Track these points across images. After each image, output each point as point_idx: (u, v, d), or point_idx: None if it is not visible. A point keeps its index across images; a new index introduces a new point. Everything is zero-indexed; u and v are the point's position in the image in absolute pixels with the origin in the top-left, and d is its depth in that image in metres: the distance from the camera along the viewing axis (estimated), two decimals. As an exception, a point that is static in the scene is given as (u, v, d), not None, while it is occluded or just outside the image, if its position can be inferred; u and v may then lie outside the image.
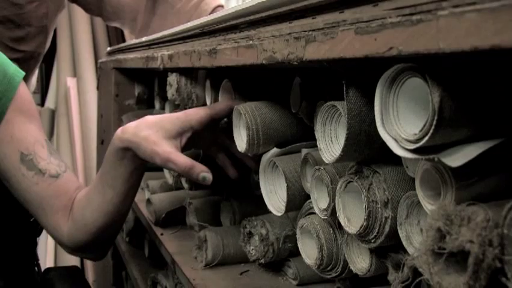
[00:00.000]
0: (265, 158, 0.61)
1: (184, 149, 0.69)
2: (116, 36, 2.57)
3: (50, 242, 2.36)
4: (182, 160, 0.65)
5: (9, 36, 1.10)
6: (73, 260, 2.11)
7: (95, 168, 2.46)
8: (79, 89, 2.62)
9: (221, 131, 0.75)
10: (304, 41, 0.42)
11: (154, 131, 0.67)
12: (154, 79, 1.20)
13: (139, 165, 0.71)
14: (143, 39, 1.01)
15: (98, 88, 1.57)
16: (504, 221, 0.30)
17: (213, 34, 0.66)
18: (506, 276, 0.30)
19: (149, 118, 0.70)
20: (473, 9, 0.25)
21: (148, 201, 0.95)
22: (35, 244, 0.98)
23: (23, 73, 0.80)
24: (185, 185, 0.87)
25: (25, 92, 0.79)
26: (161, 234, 0.90)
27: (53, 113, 2.74)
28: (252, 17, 0.54)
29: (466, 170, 0.34)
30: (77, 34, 2.60)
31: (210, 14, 1.23)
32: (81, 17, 2.58)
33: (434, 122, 0.32)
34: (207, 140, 0.75)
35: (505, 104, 0.36)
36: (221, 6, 1.29)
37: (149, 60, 0.91)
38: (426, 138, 0.32)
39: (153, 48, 0.95)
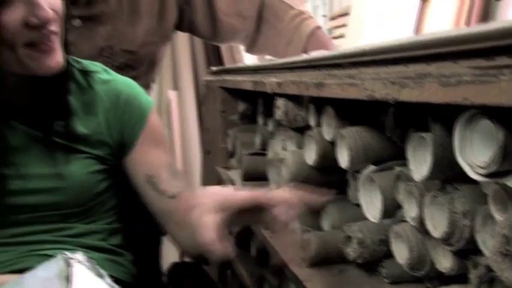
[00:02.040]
0: (364, 173, 0.73)
1: (228, 223, 0.72)
2: (213, 53, 2.76)
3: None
4: (209, 236, 0.69)
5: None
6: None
7: (195, 174, 2.66)
8: (179, 102, 2.84)
9: None
10: (399, 86, 0.54)
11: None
12: (258, 97, 1.34)
13: None
14: (251, 64, 1.16)
15: (203, 103, 1.75)
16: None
17: (318, 68, 0.79)
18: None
19: (207, 190, 0.78)
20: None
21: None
22: (160, 242, 1.15)
23: (153, 103, 0.96)
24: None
25: (155, 120, 0.95)
26: (270, 237, 1.03)
27: (156, 123, 2.97)
28: (354, 59, 0.66)
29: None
30: (178, 51, 2.81)
31: (308, 35, 1.36)
32: (182, 35, 2.79)
33: (499, 154, 0.43)
34: (251, 218, 0.82)
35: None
36: (319, 27, 1.40)
37: (257, 85, 1.05)
38: (494, 166, 0.43)
39: (260, 73, 1.09)
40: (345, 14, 6.61)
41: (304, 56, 0.82)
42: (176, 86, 2.88)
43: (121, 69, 1.29)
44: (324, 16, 7.89)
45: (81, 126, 0.88)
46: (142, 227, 1.06)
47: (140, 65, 1.36)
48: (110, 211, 0.96)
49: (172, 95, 2.85)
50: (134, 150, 0.91)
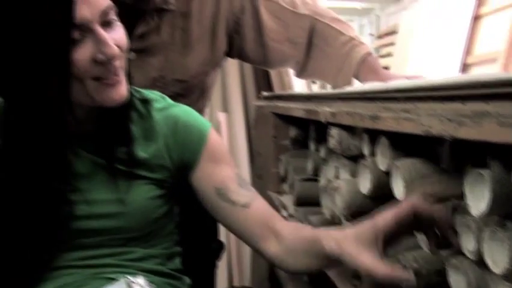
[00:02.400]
0: (419, 205, 0.74)
1: (384, 251, 0.76)
2: (263, 75, 2.81)
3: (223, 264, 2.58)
4: (382, 271, 0.71)
5: None
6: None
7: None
8: (228, 123, 2.89)
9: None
10: (456, 123, 0.55)
11: (355, 246, 0.75)
12: (310, 123, 1.36)
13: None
14: (303, 92, 1.19)
15: (254, 128, 1.78)
16: None
17: (372, 100, 0.81)
18: None
19: (349, 232, 0.79)
20: None
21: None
22: (215, 266, 1.18)
23: (210, 124, 1.00)
24: (344, 221, 1.01)
25: (215, 138, 0.98)
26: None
27: (206, 145, 3.04)
28: (410, 94, 0.68)
29: None
30: (228, 73, 2.86)
31: (359, 62, 1.37)
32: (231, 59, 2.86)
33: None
34: (400, 234, 0.80)
35: None
36: (370, 53, 1.41)
37: (310, 113, 1.08)
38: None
39: (313, 101, 1.11)
40: (392, 33, 6.57)
41: (359, 88, 0.84)
42: (225, 108, 2.94)
43: (173, 98, 1.32)
44: (371, 35, 7.88)
45: (142, 152, 0.93)
46: (198, 251, 1.09)
47: (191, 93, 1.40)
48: (168, 236, 1.00)
49: (221, 116, 2.91)
50: (198, 169, 0.95)
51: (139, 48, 1.27)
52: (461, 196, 0.68)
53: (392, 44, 6.39)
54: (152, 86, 1.31)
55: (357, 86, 0.97)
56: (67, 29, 0.74)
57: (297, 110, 1.18)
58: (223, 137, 2.88)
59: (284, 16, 1.41)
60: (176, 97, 1.35)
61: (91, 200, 0.89)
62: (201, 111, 1.52)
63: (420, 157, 0.77)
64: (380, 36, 6.60)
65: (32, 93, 0.78)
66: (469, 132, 0.53)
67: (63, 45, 0.75)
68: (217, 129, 2.93)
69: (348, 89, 0.90)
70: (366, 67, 1.36)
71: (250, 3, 1.38)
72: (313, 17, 1.42)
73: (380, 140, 0.84)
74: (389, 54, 6.39)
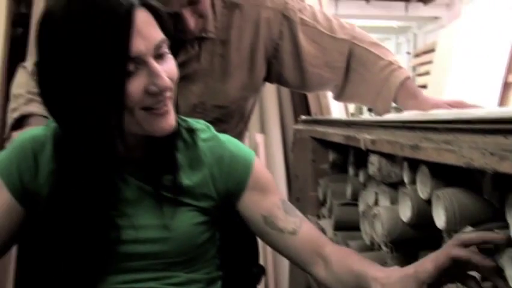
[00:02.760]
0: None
1: None
2: (300, 97, 2.83)
3: None
4: None
5: (215, 131, 1.23)
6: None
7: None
8: (266, 144, 2.92)
9: None
10: (498, 157, 0.56)
11: None
12: (349, 148, 1.37)
13: None
14: (343, 119, 1.20)
15: (292, 150, 1.80)
16: None
17: (413, 129, 0.81)
18: None
19: (394, 278, 0.80)
20: None
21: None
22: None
23: (254, 153, 1.02)
24: (385, 248, 1.01)
25: (259, 167, 1.01)
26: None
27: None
28: (451, 125, 0.69)
29: None
30: (265, 94, 2.89)
31: (398, 86, 1.36)
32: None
33: None
34: (442, 283, 0.79)
35: None
36: (408, 78, 1.40)
37: (350, 139, 1.09)
38: None
39: (353, 128, 1.13)
40: (430, 51, 6.50)
41: (399, 117, 0.85)
42: (263, 130, 2.96)
43: (212, 123, 1.34)
44: (408, 53, 7.81)
45: (187, 180, 0.96)
46: (239, 275, 1.11)
47: (231, 119, 1.42)
48: (210, 260, 1.02)
49: (259, 138, 2.94)
50: (244, 198, 0.98)
51: (180, 76, 1.30)
52: (504, 226, 0.68)
53: (429, 62, 6.33)
54: (192, 112, 1.35)
55: (397, 114, 0.97)
56: (123, 61, 0.78)
57: (336, 135, 1.19)
58: (260, 158, 2.90)
59: (322, 41, 1.43)
60: (216, 122, 1.38)
61: (138, 225, 0.92)
62: (240, 135, 1.54)
63: (462, 186, 0.77)
64: (417, 55, 6.57)
65: (87, 120, 0.82)
66: (511, 167, 0.54)
67: (119, 76, 0.79)
68: (255, 150, 2.95)
69: (389, 117, 0.91)
70: (405, 91, 1.36)
71: (288, 29, 1.40)
72: (352, 42, 1.43)
73: (421, 169, 0.85)
74: (426, 73, 6.34)
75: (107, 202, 0.89)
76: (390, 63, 1.40)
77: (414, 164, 0.89)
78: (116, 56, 0.77)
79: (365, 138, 0.98)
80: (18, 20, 3.13)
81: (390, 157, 0.97)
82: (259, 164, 1.01)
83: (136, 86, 0.80)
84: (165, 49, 0.85)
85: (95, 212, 0.88)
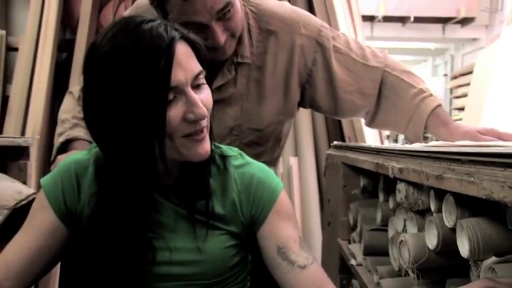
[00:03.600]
0: (486, 263, 0.76)
1: None
2: (333, 121, 2.85)
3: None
4: None
5: (252, 153, 1.21)
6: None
7: (315, 240, 2.72)
8: (299, 168, 2.95)
9: None
10: (516, 191, 0.58)
11: None
12: (379, 175, 1.39)
13: None
14: (373, 146, 1.23)
15: (324, 175, 1.83)
16: None
17: (438, 159, 0.84)
18: None
19: None
20: None
21: (378, 284, 1.13)
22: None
23: (282, 185, 1.06)
24: (411, 274, 1.03)
25: (284, 199, 1.04)
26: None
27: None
28: (473, 158, 0.71)
29: None
30: (300, 119, 2.93)
31: (429, 114, 1.38)
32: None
33: None
34: None
35: None
36: (440, 105, 1.42)
37: (379, 167, 1.11)
38: None
39: (382, 155, 1.15)
40: (468, 73, 6.41)
41: (426, 147, 0.88)
42: (297, 153, 3.00)
43: (248, 146, 1.41)
44: (445, 75, 7.71)
45: (218, 205, 1.00)
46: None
47: (266, 142, 1.46)
48: (241, 283, 1.05)
49: (292, 161, 2.97)
50: (265, 225, 1.01)
51: (217, 99, 1.31)
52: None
53: (467, 84, 6.26)
54: (228, 134, 1.39)
55: (424, 144, 1.00)
56: (165, 91, 0.84)
57: (366, 162, 1.22)
58: (294, 181, 2.93)
59: (355, 68, 1.46)
60: (253, 145, 1.42)
61: (173, 247, 0.97)
62: (277, 158, 1.58)
63: (487, 216, 0.79)
64: (454, 77, 6.51)
65: (129, 146, 0.88)
66: (527, 201, 0.56)
67: (161, 105, 0.84)
68: (289, 173, 2.98)
69: (416, 146, 0.94)
70: (436, 119, 1.38)
71: (322, 55, 1.44)
72: (384, 69, 1.46)
73: (446, 198, 0.87)
74: (464, 95, 6.27)
75: (144, 224, 0.94)
76: (422, 90, 1.42)
77: (440, 193, 0.91)
78: (158, 86, 0.83)
79: (393, 166, 1.00)
80: (64, 45, 3.28)
81: (417, 185, 1.00)
82: (285, 196, 1.04)
83: (175, 113, 0.86)
84: (202, 80, 0.91)
85: (132, 233, 0.93)
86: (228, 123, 1.39)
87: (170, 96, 0.85)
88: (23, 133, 2.99)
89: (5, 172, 1.79)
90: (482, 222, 0.76)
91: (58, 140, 1.39)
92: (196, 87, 0.89)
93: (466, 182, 0.70)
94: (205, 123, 0.91)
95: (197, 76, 0.89)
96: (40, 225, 0.96)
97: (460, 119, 5.83)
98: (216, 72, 1.36)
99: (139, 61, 0.83)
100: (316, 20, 1.47)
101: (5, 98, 3.16)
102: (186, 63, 0.87)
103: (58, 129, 1.43)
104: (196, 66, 0.89)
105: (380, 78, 1.46)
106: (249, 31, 1.38)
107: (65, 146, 1.38)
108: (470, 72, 5.69)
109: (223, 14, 1.21)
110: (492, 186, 0.63)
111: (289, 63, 1.42)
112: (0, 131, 2.98)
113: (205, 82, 0.92)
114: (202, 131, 0.90)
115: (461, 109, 6.55)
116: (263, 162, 1.11)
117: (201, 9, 1.17)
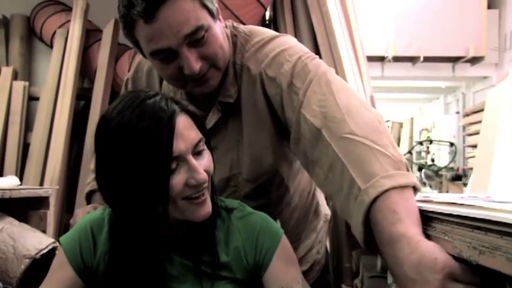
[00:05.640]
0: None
1: None
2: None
3: None
4: None
5: (253, 206, 1.17)
6: None
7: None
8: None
9: None
10: (478, 252, 0.65)
11: None
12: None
13: None
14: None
15: (330, 222, 1.89)
16: None
17: (424, 217, 0.91)
18: None
19: None
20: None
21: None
22: None
23: (282, 231, 1.12)
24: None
25: (286, 242, 1.11)
26: None
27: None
28: (449, 218, 0.78)
29: None
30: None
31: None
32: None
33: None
34: None
35: None
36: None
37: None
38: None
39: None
40: (479, 110, 6.44)
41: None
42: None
43: (248, 198, 1.26)
44: (457, 113, 7.74)
45: (224, 256, 1.07)
46: None
47: (267, 193, 1.31)
48: None
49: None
50: (269, 269, 1.08)
51: (213, 147, 1.13)
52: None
53: (479, 121, 6.27)
54: (226, 186, 1.29)
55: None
56: (167, 161, 0.92)
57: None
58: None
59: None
60: (251, 197, 1.26)
61: None
62: (283, 209, 1.38)
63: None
64: (467, 114, 6.55)
65: (137, 209, 0.96)
66: (486, 261, 0.63)
67: (164, 173, 0.93)
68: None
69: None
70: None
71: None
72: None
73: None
74: (476, 132, 6.29)
75: (154, 278, 1.02)
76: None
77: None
78: (161, 156, 0.92)
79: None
80: (81, 93, 3.43)
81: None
82: (285, 240, 1.11)
83: (178, 180, 0.94)
84: (203, 146, 0.99)
85: (143, 287, 1.01)
86: (224, 174, 1.27)
87: (173, 165, 0.93)
88: (42, 179, 3.11)
89: (26, 221, 1.88)
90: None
91: (85, 190, 1.45)
92: (197, 153, 0.98)
93: (442, 240, 0.77)
94: (206, 186, 0.98)
95: (197, 144, 0.97)
96: (59, 280, 1.04)
97: (473, 157, 5.85)
98: (209, 110, 1.23)
99: (143, 134, 0.91)
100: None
101: (26, 146, 3.29)
102: (187, 133, 0.95)
103: (87, 179, 1.49)
104: (196, 135, 0.97)
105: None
106: (234, 65, 1.22)
107: (90, 196, 1.45)
108: (482, 110, 5.73)
109: (196, 40, 1.07)
110: (461, 246, 0.70)
111: (265, 99, 1.20)
112: (21, 177, 3.09)
113: (205, 148, 1.00)
114: (203, 194, 0.98)
115: (475, 146, 6.56)
116: (268, 214, 1.12)
117: (167, 33, 1.04)
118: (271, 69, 1.16)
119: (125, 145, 0.92)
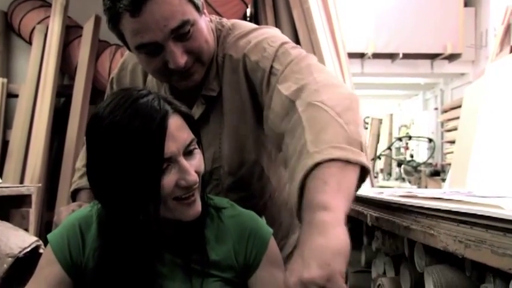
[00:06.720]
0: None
1: None
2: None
3: None
4: None
5: (234, 199, 1.17)
6: None
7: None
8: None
9: None
10: (464, 245, 0.67)
11: None
12: (362, 224, 1.47)
13: None
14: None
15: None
16: None
17: (409, 212, 0.93)
18: None
19: None
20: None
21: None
22: None
23: (271, 232, 1.13)
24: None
25: (273, 246, 1.12)
26: None
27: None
28: (435, 213, 0.80)
29: None
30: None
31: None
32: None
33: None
34: None
35: None
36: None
37: (359, 214, 1.20)
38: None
39: (361, 204, 1.24)
40: (457, 107, 6.54)
41: (396, 200, 0.97)
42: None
43: (230, 191, 1.28)
44: (436, 109, 7.85)
45: (213, 254, 1.07)
46: None
47: (248, 185, 1.31)
48: None
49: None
50: (257, 271, 1.08)
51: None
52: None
53: (457, 117, 6.37)
54: (209, 179, 1.27)
55: (396, 197, 1.09)
56: (159, 162, 0.92)
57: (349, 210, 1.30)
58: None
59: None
60: (233, 190, 1.27)
61: None
62: (267, 203, 1.37)
63: (452, 263, 0.87)
64: (445, 110, 6.64)
65: (129, 208, 0.96)
66: (472, 254, 0.65)
67: (155, 174, 0.93)
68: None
69: (390, 198, 1.02)
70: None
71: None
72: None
73: (417, 245, 0.96)
74: (454, 128, 6.38)
75: (144, 275, 1.02)
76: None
77: (413, 240, 1.00)
78: (152, 157, 0.92)
79: (371, 215, 1.09)
80: (62, 91, 3.40)
81: (392, 232, 1.08)
82: (273, 242, 1.12)
83: (168, 180, 0.94)
84: (194, 146, 0.99)
85: (133, 284, 1.01)
86: (206, 167, 1.18)
87: (164, 166, 0.94)
88: (22, 177, 3.07)
89: (8, 220, 1.86)
90: (446, 269, 0.85)
91: (71, 189, 1.45)
92: (188, 153, 0.98)
93: (428, 234, 0.79)
94: (196, 186, 0.99)
95: (188, 145, 0.97)
96: (47, 277, 1.04)
97: (451, 152, 5.94)
98: (193, 104, 1.23)
99: (135, 134, 0.91)
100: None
101: (5, 143, 3.25)
102: (178, 134, 0.95)
103: (74, 178, 1.48)
104: (187, 136, 0.97)
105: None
106: (217, 58, 1.21)
107: (75, 194, 1.44)
108: (460, 106, 5.81)
109: (182, 34, 1.08)
110: (447, 240, 0.73)
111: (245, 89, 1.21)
112: (0, 175, 3.05)
113: (197, 147, 1.01)
114: (193, 195, 0.99)
115: (453, 142, 6.66)
116: (251, 206, 1.14)
117: (153, 27, 1.05)
118: (254, 54, 1.17)
119: (116, 144, 0.92)
